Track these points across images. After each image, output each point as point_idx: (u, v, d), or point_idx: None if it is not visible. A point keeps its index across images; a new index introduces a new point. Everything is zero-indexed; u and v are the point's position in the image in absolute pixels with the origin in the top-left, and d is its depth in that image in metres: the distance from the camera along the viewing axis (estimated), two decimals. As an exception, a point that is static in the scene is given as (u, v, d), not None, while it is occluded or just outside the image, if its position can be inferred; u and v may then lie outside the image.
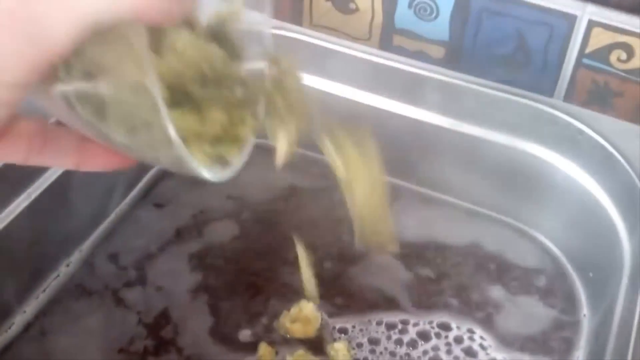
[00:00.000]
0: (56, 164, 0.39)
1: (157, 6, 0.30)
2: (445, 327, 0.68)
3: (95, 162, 0.39)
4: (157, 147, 0.34)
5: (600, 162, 0.69)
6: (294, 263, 0.66)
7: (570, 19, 0.78)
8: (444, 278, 0.73)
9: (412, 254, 0.75)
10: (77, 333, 0.67)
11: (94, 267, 0.72)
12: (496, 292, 0.72)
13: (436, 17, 0.84)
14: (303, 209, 0.79)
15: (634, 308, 0.57)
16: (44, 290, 0.69)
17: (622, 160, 0.67)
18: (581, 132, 0.70)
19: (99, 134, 0.35)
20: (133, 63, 0.31)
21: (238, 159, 0.41)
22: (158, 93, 0.31)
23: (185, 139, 0.35)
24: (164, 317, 0.68)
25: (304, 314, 0.67)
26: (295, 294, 0.69)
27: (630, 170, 0.66)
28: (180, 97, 0.37)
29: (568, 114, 0.71)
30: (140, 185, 0.80)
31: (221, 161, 0.40)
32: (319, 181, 0.81)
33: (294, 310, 0.67)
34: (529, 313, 0.70)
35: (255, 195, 0.80)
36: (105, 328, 0.67)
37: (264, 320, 0.68)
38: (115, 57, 0.32)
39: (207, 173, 0.38)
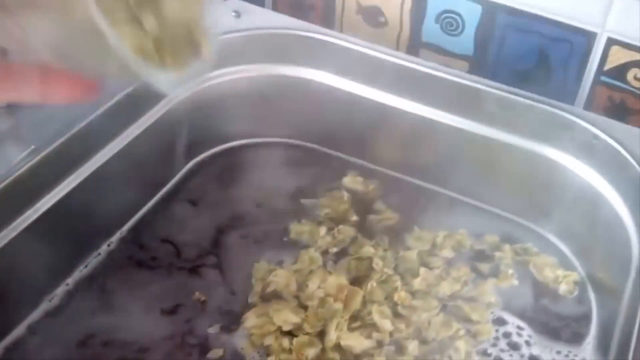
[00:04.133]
0: (21, 98, 0.39)
1: None
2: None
3: (60, 92, 0.39)
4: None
5: (614, 166, 0.72)
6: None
7: (590, 37, 0.82)
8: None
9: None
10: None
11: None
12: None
13: (461, 32, 0.89)
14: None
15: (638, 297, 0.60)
16: (86, 266, 0.74)
17: (634, 163, 0.70)
18: (597, 137, 0.73)
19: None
20: None
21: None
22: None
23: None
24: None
25: None
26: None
27: (641, 172, 0.69)
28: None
29: (585, 119, 0.74)
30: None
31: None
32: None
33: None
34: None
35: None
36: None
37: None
38: None
39: (157, 77, 0.38)
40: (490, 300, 0.73)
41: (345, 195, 0.83)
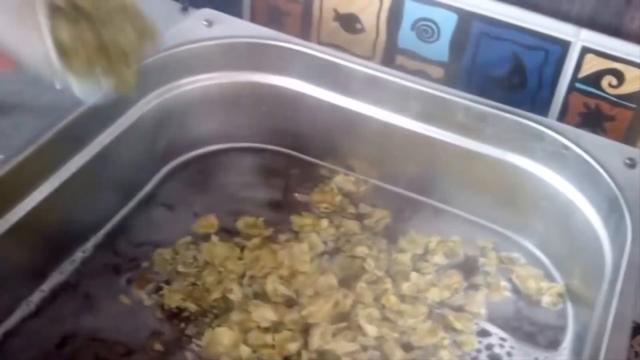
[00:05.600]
0: None
1: None
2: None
3: None
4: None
5: (585, 177, 0.73)
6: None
7: (565, 45, 0.82)
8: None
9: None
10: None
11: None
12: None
13: (437, 39, 0.89)
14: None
15: (610, 306, 0.61)
16: (61, 272, 0.74)
17: (604, 174, 0.70)
18: (567, 147, 0.73)
19: None
20: None
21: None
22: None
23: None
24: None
25: None
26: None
27: (611, 182, 0.69)
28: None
29: (555, 130, 0.74)
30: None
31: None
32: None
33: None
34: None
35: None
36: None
37: None
38: None
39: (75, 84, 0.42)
40: (477, 310, 0.74)
41: (335, 187, 0.84)
